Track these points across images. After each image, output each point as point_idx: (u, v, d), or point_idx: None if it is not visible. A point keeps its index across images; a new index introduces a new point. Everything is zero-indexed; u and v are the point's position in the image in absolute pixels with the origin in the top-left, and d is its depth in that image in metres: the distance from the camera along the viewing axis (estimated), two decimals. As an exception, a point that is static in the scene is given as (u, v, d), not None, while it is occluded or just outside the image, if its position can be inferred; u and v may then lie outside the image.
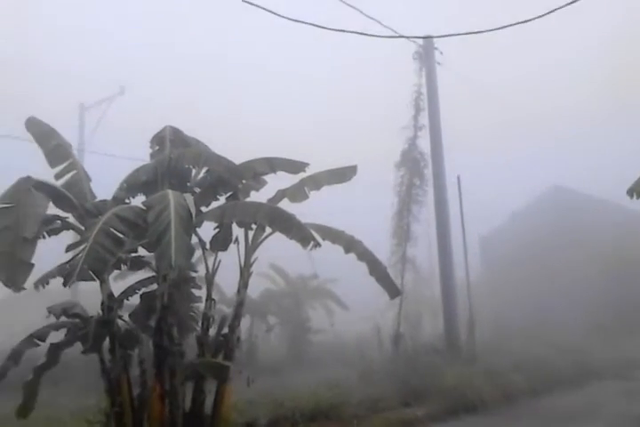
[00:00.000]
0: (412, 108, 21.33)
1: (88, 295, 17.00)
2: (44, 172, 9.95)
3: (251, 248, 10.73)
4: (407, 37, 19.13)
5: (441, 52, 20.99)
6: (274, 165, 10.36)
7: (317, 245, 9.16)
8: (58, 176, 10.01)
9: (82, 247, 8.03)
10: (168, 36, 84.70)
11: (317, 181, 10.90)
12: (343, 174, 11.20)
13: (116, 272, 13.18)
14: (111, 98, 31.73)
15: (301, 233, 9.20)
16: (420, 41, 20.66)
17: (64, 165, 10.06)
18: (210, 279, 10.61)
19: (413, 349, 18.96)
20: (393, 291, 11.27)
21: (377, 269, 11.00)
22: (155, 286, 10.35)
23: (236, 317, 10.74)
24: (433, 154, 20.69)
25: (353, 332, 28.26)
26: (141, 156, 11.42)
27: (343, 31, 14.21)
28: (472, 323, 20.64)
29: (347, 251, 10.82)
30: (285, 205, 10.48)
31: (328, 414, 12.94)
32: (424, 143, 21.33)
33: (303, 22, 13.63)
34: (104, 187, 10.60)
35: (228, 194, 10.52)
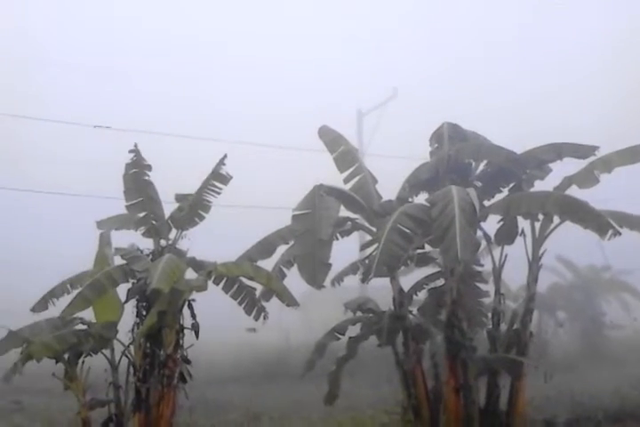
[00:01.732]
0: None
1: (375, 291, 17.85)
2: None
3: (538, 240, 10.30)
4: None
5: None
6: (561, 151, 9.78)
7: (617, 233, 8.46)
8: (346, 180, 10.63)
9: (375, 245, 8.44)
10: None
11: (608, 164, 10.03)
12: (636, 153, 10.19)
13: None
14: (386, 102, 32.70)
15: (598, 221, 8.53)
16: None
17: (351, 169, 10.65)
18: (497, 273, 10.43)
19: None
20: None
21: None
22: (441, 282, 10.47)
23: (527, 312, 10.40)
24: None
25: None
26: (419, 154, 11.64)
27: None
28: None
29: (647, 238, 9.88)
30: (573, 192, 9.89)
31: (635, 416, 11.97)
32: None
33: None
34: (385, 188, 11.02)
35: (511, 185, 10.22)
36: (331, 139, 10.91)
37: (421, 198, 10.07)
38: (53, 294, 9.42)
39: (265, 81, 71.26)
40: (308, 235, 8.97)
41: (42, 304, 9.40)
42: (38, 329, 9.24)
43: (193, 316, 9.85)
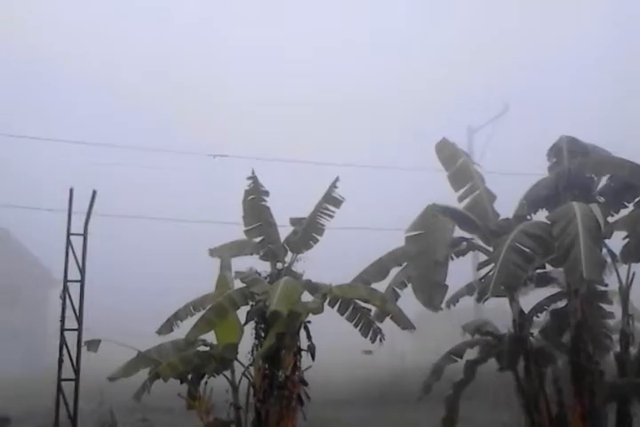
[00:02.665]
0: None
1: (491, 313, 17.39)
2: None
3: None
4: None
5: None
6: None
7: None
8: (461, 198, 10.43)
9: (492, 265, 8.23)
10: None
11: None
12: None
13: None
14: (497, 117, 32.02)
15: None
16: None
17: (466, 186, 10.43)
18: (624, 293, 9.91)
19: None
20: None
21: None
22: (564, 303, 10.06)
23: (659, 334, 9.81)
24: None
25: None
26: (532, 170, 11.33)
27: None
28: None
29: None
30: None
31: None
32: None
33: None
34: (500, 205, 10.76)
35: (637, 200, 9.73)
36: (447, 155, 10.73)
37: (540, 216, 9.75)
38: (178, 316, 9.79)
39: (372, 103, 71.74)
40: (423, 256, 8.88)
41: (167, 327, 9.79)
42: (164, 350, 9.62)
43: (309, 337, 9.96)
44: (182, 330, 9.85)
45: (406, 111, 65.95)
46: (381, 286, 10.87)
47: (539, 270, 10.44)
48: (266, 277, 10.17)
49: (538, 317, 10.74)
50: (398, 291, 11.01)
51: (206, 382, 9.54)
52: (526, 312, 10.47)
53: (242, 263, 10.58)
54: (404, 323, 9.69)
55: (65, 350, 8.88)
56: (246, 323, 9.82)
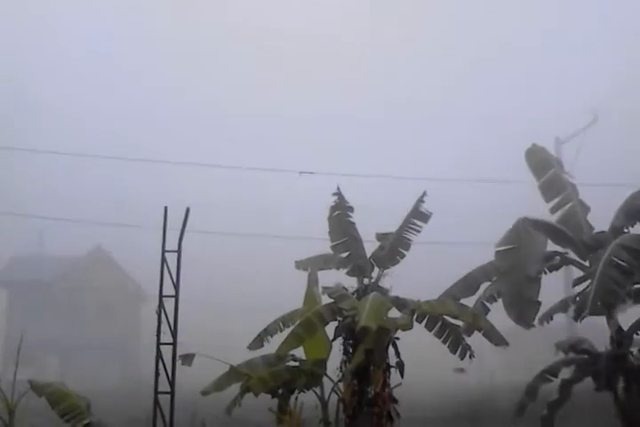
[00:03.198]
0: None
1: (585, 330, 16.72)
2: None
3: None
4: None
5: None
6: None
7: None
8: (553, 210, 10.14)
9: (589, 281, 7.98)
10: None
11: None
12: None
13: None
14: (585, 127, 31.05)
15: None
16: None
17: (559, 198, 10.13)
18: None
19: None
20: None
21: None
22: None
23: None
24: None
25: None
26: (629, 181, 10.92)
27: None
28: None
29: None
30: None
31: None
32: None
33: None
34: (594, 218, 10.39)
35: None
36: (538, 161, 10.47)
37: (638, 229, 9.37)
38: (267, 331, 9.92)
39: (457, 116, 71.00)
40: (515, 271, 8.72)
41: (257, 342, 9.92)
42: (254, 365, 9.76)
43: (397, 354, 9.86)
44: (272, 345, 9.97)
45: (490, 123, 64.87)
46: (468, 302, 10.70)
47: (637, 285, 10.01)
48: (353, 293, 10.18)
49: (638, 334, 10.28)
50: (488, 305, 10.81)
51: (297, 398, 9.59)
52: (625, 329, 10.06)
53: (328, 278, 10.65)
54: (497, 339, 9.45)
55: (160, 364, 9.12)
56: (335, 339, 9.84)
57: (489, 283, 10.59)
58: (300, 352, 9.96)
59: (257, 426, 16.02)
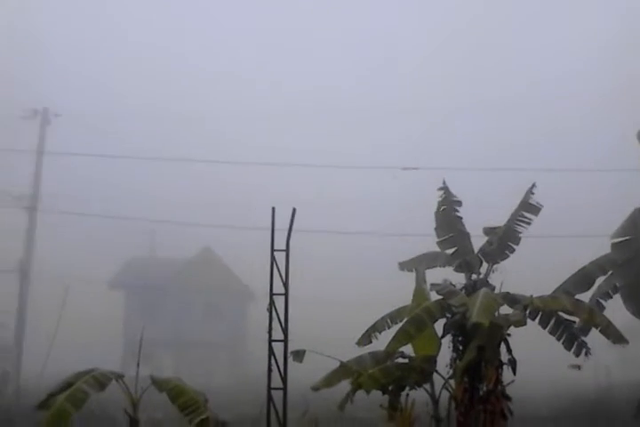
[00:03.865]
0: None
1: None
2: None
3: None
4: None
5: None
6: None
7: None
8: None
9: None
10: None
11: None
12: None
13: None
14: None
15: None
16: None
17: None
18: None
19: None
20: None
21: None
22: None
23: None
24: None
25: None
26: None
27: None
28: None
29: None
30: None
31: None
32: None
33: None
34: None
35: None
36: None
37: None
38: (376, 328, 9.94)
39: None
40: (633, 263, 8.33)
41: (365, 338, 9.96)
42: (363, 362, 9.80)
43: (509, 351, 9.66)
44: (380, 342, 9.97)
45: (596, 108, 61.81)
46: (583, 297, 10.31)
47: None
48: (461, 289, 10.03)
49: None
50: (602, 302, 10.41)
51: (407, 395, 9.55)
52: None
53: (434, 275, 10.53)
54: (615, 337, 9.07)
55: (272, 360, 9.30)
56: (444, 335, 9.74)
57: (604, 277, 10.18)
58: (408, 349, 9.91)
59: (366, 423, 16.09)
